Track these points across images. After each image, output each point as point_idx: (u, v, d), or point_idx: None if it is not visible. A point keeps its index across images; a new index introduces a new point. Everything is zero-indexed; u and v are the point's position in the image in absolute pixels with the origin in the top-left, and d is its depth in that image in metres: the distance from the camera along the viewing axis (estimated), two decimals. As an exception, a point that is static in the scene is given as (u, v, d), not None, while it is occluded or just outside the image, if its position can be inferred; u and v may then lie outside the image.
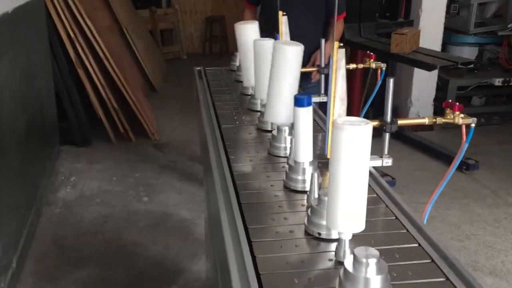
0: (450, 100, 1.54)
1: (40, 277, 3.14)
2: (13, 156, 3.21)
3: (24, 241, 3.24)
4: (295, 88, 1.62)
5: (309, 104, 1.35)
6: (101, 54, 4.96)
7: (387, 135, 1.49)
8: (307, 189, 1.34)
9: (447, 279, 1.03)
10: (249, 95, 2.23)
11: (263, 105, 1.85)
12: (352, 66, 2.30)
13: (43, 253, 3.37)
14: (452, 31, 6.08)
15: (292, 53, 1.60)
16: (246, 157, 1.65)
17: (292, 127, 1.61)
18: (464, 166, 4.54)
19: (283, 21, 2.05)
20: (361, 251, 0.92)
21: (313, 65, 3.26)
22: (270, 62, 1.65)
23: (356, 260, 0.91)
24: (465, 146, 1.49)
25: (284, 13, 2.04)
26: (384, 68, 2.22)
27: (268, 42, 1.80)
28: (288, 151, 1.61)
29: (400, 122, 1.51)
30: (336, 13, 1.37)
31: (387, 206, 1.32)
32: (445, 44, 5.92)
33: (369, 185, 1.41)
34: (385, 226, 1.24)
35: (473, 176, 4.53)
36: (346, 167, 0.99)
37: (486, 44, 6.31)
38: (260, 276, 1.03)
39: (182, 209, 3.92)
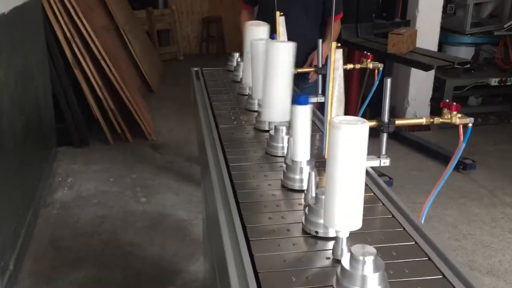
0: (447, 100, 1.55)
1: (37, 278, 3.13)
2: (11, 157, 3.20)
3: (21, 242, 3.23)
4: (289, 86, 1.63)
5: (307, 102, 1.36)
6: (98, 55, 4.96)
7: (385, 135, 1.49)
8: (305, 188, 1.34)
9: (444, 276, 1.04)
10: (246, 95, 2.24)
11: (261, 104, 1.86)
12: (349, 66, 2.31)
13: (41, 254, 3.37)
14: (448, 31, 6.10)
15: (284, 50, 1.60)
16: (244, 156, 1.66)
17: (289, 126, 1.62)
18: (461, 166, 4.55)
19: (281, 22, 2.05)
20: (358, 249, 0.92)
21: (310, 66, 3.27)
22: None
23: (353, 258, 0.92)
24: (462, 146, 1.50)
25: (282, 14, 2.05)
26: (381, 68, 2.23)
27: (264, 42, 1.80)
28: (285, 151, 1.61)
29: (398, 122, 1.51)
30: (333, 14, 1.37)
31: (383, 204, 1.33)
32: (441, 44, 5.94)
33: (366, 184, 1.42)
34: (382, 224, 1.25)
35: (470, 175, 4.54)
36: (343, 165, 1.00)
37: (483, 44, 6.34)
38: (258, 275, 1.04)
39: (180, 210, 3.92)
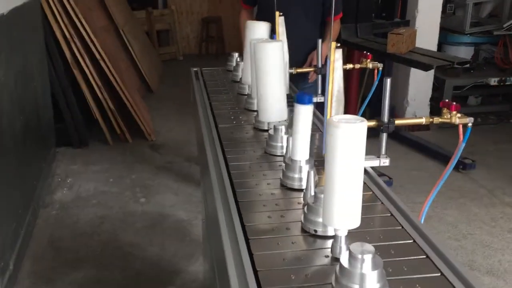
0: (447, 100, 1.55)
1: (36, 278, 3.13)
2: (10, 157, 3.20)
3: (21, 242, 3.23)
4: (282, 84, 1.63)
5: (310, 102, 1.36)
6: (97, 55, 4.96)
7: (384, 135, 1.49)
8: (304, 187, 1.34)
9: (442, 274, 1.04)
10: (245, 94, 2.24)
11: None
12: (349, 66, 2.31)
13: (40, 254, 3.37)
14: (448, 31, 6.10)
15: (272, 50, 1.60)
16: (243, 156, 1.66)
17: (288, 126, 1.62)
18: (461, 166, 4.55)
19: (280, 22, 2.05)
20: (356, 247, 0.93)
21: (310, 65, 3.27)
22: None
23: (351, 256, 0.92)
24: (462, 145, 1.50)
25: (281, 14, 2.05)
26: (380, 68, 2.22)
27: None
28: (284, 150, 1.61)
29: (397, 122, 1.51)
30: (332, 14, 1.37)
31: (382, 203, 1.33)
32: (441, 44, 5.94)
33: (365, 183, 1.42)
34: (381, 223, 1.25)
35: (470, 175, 4.55)
36: (342, 164, 1.00)
37: (482, 44, 6.34)
38: (257, 273, 1.04)
39: (179, 210, 3.92)
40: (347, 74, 2.56)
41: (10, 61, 3.31)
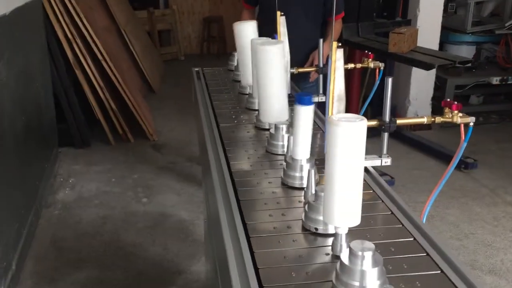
0: (448, 99, 1.55)
1: (39, 278, 3.14)
2: (12, 157, 3.21)
3: (23, 242, 3.24)
4: (283, 85, 1.63)
5: (310, 103, 1.36)
6: (99, 55, 4.97)
7: (386, 135, 1.49)
8: (304, 185, 1.35)
9: (442, 271, 1.04)
10: (247, 94, 2.24)
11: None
12: (350, 65, 2.31)
13: (42, 254, 3.37)
14: (449, 30, 6.10)
15: (273, 53, 1.61)
16: (244, 155, 1.66)
17: (289, 125, 1.62)
18: (463, 165, 4.55)
19: (281, 22, 2.06)
20: (357, 244, 0.93)
21: (311, 65, 3.27)
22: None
23: (352, 253, 0.92)
24: (463, 145, 1.50)
25: (282, 14, 2.05)
26: (382, 68, 2.23)
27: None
28: (285, 149, 1.62)
29: (399, 121, 1.51)
30: (334, 13, 1.37)
31: (383, 202, 1.34)
32: (442, 43, 5.94)
33: (366, 182, 1.43)
34: (381, 221, 1.25)
35: (472, 175, 4.54)
36: (342, 162, 1.00)
37: (484, 43, 6.33)
38: (258, 270, 1.04)
39: (181, 210, 3.93)
40: (348, 73, 2.56)
41: (11, 61, 3.31)
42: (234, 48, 2.21)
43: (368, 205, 1.29)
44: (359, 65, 2.31)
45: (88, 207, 3.98)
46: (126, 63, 6.13)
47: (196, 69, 2.78)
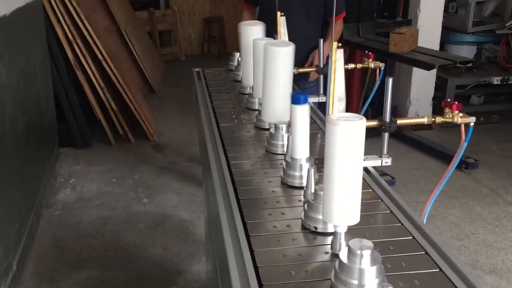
0: (449, 99, 1.55)
1: (40, 278, 3.14)
2: (13, 158, 3.21)
3: (24, 243, 3.24)
4: (288, 87, 1.64)
5: (305, 102, 1.36)
6: (99, 56, 4.97)
7: (386, 135, 1.49)
8: (304, 185, 1.35)
9: (440, 270, 1.05)
10: (247, 94, 2.25)
11: (261, 104, 1.86)
12: (351, 66, 2.31)
13: (43, 255, 3.38)
14: (450, 30, 6.10)
15: (283, 55, 1.61)
16: (245, 154, 1.67)
17: (289, 125, 1.62)
18: (464, 165, 4.55)
19: (282, 22, 2.06)
20: (355, 242, 0.93)
21: (311, 65, 3.27)
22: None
23: (350, 252, 0.92)
24: (464, 145, 1.50)
25: (283, 14, 2.05)
26: (382, 68, 2.23)
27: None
28: (285, 149, 1.62)
29: (400, 121, 1.51)
30: (334, 13, 1.37)
31: (382, 201, 1.34)
32: (443, 43, 5.94)
33: (365, 181, 1.43)
34: (381, 220, 1.26)
35: (473, 175, 4.54)
36: (341, 161, 1.00)
37: (484, 43, 6.33)
38: (258, 269, 1.05)
39: (182, 210, 3.93)
40: (349, 73, 2.57)
41: (12, 61, 3.32)
42: (235, 49, 2.21)
43: (367, 204, 1.29)
44: (359, 65, 2.31)
45: (88, 207, 3.99)
46: (126, 64, 6.14)
47: (197, 69, 2.79)
